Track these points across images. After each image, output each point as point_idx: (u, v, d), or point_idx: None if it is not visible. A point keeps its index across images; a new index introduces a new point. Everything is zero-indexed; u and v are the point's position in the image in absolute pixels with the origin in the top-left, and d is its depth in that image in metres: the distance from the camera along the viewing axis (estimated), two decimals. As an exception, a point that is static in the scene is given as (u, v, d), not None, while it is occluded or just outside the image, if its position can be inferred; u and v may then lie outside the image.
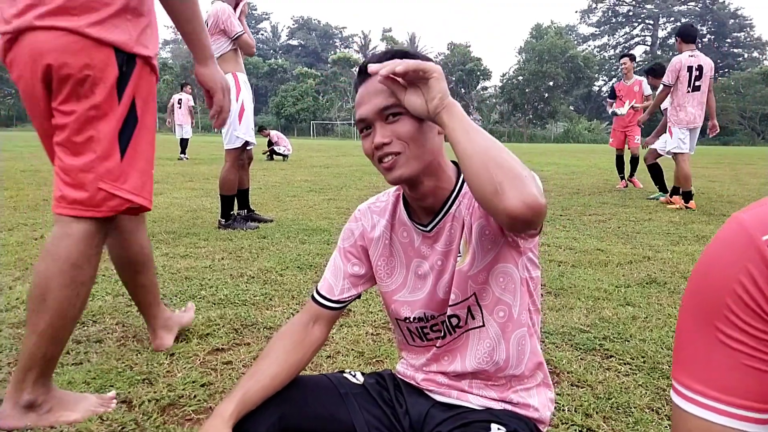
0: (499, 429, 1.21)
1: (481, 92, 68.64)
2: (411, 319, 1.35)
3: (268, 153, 13.77)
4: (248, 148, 4.51)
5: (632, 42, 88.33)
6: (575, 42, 71.90)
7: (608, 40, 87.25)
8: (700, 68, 6.00)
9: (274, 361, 1.29)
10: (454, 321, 1.30)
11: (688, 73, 6.00)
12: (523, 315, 1.28)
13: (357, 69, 1.20)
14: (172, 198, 6.11)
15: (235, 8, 4.25)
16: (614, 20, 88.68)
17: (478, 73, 62.77)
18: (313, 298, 1.39)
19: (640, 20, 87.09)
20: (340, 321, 2.39)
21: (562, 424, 1.57)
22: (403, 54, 1.22)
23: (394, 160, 1.16)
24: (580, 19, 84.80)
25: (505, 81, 63.35)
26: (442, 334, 1.33)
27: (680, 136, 6.10)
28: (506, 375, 1.30)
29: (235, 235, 4.17)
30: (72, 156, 1.54)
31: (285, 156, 13.61)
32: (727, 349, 0.64)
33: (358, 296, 1.44)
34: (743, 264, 0.63)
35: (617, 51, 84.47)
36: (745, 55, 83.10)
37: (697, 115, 6.03)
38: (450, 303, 1.27)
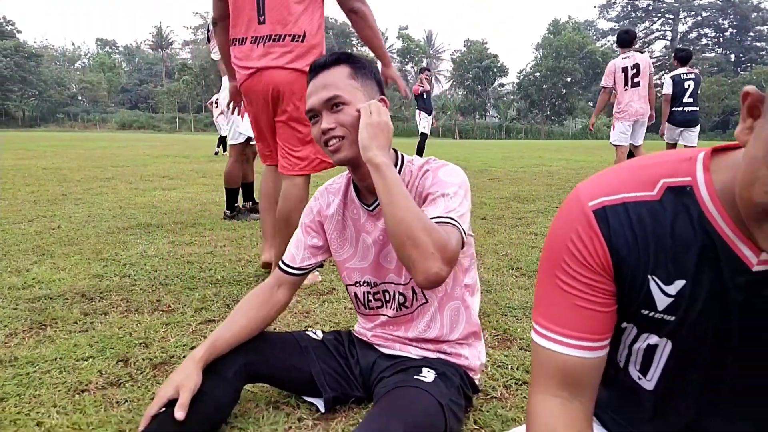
0: (429, 371, 1.43)
1: (498, 89, 68.38)
2: (361, 283, 1.58)
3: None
4: (251, 143, 4.76)
5: (652, 37, 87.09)
6: (594, 37, 71.25)
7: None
8: (636, 66, 6.55)
9: (243, 315, 1.52)
10: (401, 299, 1.54)
11: (623, 74, 6.60)
12: (456, 290, 1.52)
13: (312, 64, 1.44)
14: (184, 192, 6.39)
15: None
16: (634, 15, 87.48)
17: (495, 69, 62.50)
18: (278, 266, 1.62)
19: (660, 15, 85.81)
20: (323, 297, 2.61)
21: (503, 378, 1.78)
22: (347, 56, 1.45)
23: (339, 144, 1.39)
24: (599, 14, 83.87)
25: (522, 77, 63.03)
26: (380, 304, 1.57)
27: (622, 130, 6.68)
28: (441, 340, 1.53)
29: (238, 225, 4.42)
30: (301, 145, 2.60)
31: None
32: (565, 293, 0.81)
33: (320, 265, 1.66)
34: (574, 226, 0.80)
35: (637, 46, 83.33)
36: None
37: (640, 108, 6.56)
38: (401, 282, 1.50)
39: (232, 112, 3.41)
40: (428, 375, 1.42)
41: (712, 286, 0.74)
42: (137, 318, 2.30)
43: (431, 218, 1.27)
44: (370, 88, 1.44)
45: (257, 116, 2.71)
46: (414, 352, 1.53)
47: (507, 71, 63.49)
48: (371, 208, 1.50)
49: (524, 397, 1.67)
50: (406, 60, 70.68)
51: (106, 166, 9.67)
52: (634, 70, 6.54)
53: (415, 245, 1.19)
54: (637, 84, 6.55)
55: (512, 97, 67.44)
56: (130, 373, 1.79)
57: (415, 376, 1.41)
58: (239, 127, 4.55)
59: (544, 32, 65.20)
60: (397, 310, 1.54)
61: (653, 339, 0.81)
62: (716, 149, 0.77)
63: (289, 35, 2.48)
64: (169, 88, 68.80)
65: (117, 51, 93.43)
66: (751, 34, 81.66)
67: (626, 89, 6.61)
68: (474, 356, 1.54)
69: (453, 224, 1.28)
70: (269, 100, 2.57)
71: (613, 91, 6.79)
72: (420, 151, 11.01)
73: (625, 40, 6.74)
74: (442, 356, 1.52)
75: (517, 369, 1.84)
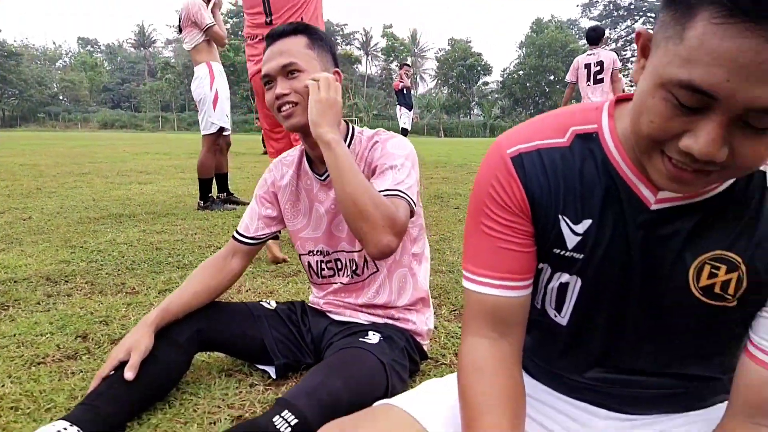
0: (374, 334, 1.48)
1: (482, 87, 68.70)
2: (314, 252, 1.63)
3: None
4: (225, 134, 4.77)
5: (634, 35, 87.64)
6: (577, 36, 71.76)
7: (610, 33, 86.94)
8: (600, 63, 6.69)
9: (197, 283, 1.55)
10: (353, 267, 1.59)
11: (586, 70, 6.77)
12: (404, 258, 1.57)
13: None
14: (160, 186, 6.38)
15: (207, 2, 4.51)
16: (615, 14, 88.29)
17: (479, 68, 62.84)
18: (233, 236, 1.65)
19: (641, 13, 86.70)
20: (288, 279, 2.64)
21: (454, 347, 1.83)
22: (305, 27, 1.49)
23: (292, 110, 1.43)
24: (582, 12, 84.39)
25: (505, 76, 63.46)
26: (333, 273, 1.62)
27: None
28: (389, 306, 1.58)
29: (211, 215, 4.43)
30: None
31: (279, 150, 13.89)
32: (488, 237, 0.85)
33: (275, 236, 1.70)
34: (494, 172, 0.84)
35: (619, 44, 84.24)
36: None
37: None
38: (354, 249, 1.55)
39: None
40: (373, 337, 1.47)
41: (615, 224, 0.79)
42: (100, 299, 2.32)
43: (380, 191, 1.32)
44: (326, 60, 1.48)
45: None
46: (363, 318, 1.58)
47: (491, 70, 63.89)
48: (323, 178, 1.55)
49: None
50: (391, 58, 70.73)
51: (84, 163, 9.59)
52: (598, 67, 6.70)
53: (365, 219, 1.25)
54: (600, 80, 6.69)
55: (496, 96, 67.84)
56: (87, 348, 1.81)
57: (360, 339, 1.45)
58: (212, 117, 4.57)
59: (528, 31, 65.66)
60: (349, 278, 1.60)
61: (565, 277, 0.86)
62: (620, 98, 0.82)
63: None
64: (151, 87, 68.28)
65: (99, 50, 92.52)
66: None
67: (588, 85, 6.77)
68: (422, 321, 1.59)
69: (401, 196, 1.33)
70: None
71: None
72: None
73: (592, 38, 6.88)
74: (390, 321, 1.57)
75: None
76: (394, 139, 1.49)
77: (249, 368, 1.65)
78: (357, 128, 1.56)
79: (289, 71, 1.42)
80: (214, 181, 4.89)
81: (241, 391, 1.53)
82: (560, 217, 0.82)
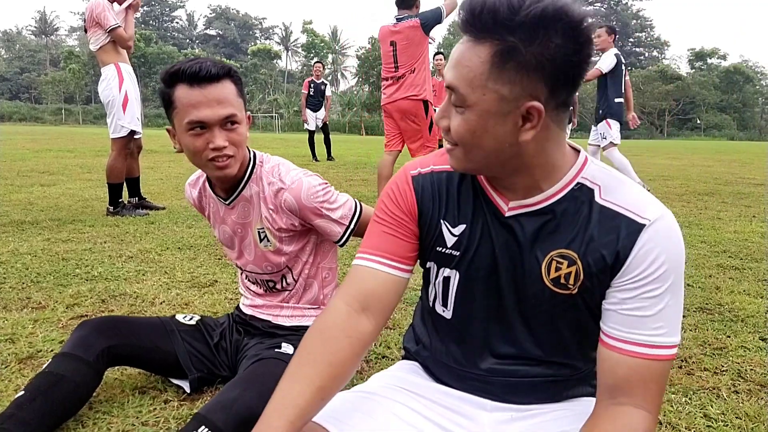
0: (288, 345, 1.57)
1: (402, 86, 69.35)
2: (238, 266, 1.71)
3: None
4: (136, 137, 4.64)
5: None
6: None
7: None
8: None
9: None
10: (271, 284, 1.66)
11: None
12: (318, 273, 1.68)
13: (185, 71, 1.35)
14: (65, 188, 6.07)
15: (113, 1, 4.39)
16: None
17: (399, 67, 63.40)
18: None
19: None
20: (203, 289, 2.65)
21: (366, 354, 1.93)
22: (233, 71, 1.43)
23: (228, 162, 1.43)
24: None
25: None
26: (253, 282, 1.70)
27: None
28: (311, 309, 1.68)
29: (122, 221, 4.31)
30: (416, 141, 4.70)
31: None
32: (377, 224, 1.07)
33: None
34: (395, 182, 1.08)
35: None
36: (646, 54, 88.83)
37: None
38: (266, 271, 1.64)
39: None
40: (288, 348, 1.55)
41: (482, 228, 1.00)
42: (4, 315, 2.24)
43: (342, 239, 1.57)
44: (244, 106, 1.47)
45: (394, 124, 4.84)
46: (286, 314, 1.68)
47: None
48: (228, 203, 1.60)
49: (381, 369, 1.83)
50: (311, 55, 70.09)
51: (-22, 161, 8.92)
52: None
53: None
54: None
55: (416, 95, 68.66)
56: (-9, 369, 1.76)
57: (276, 350, 1.53)
58: (121, 120, 4.43)
59: (445, 33, 67.11)
60: (265, 291, 1.69)
61: (447, 272, 1.05)
62: None
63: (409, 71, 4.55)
64: (54, 78, 63.85)
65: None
66: (632, 39, 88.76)
67: None
68: None
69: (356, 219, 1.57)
70: (400, 115, 4.71)
71: None
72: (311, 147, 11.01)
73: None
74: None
75: (380, 345, 2.01)
76: (303, 186, 1.50)
77: (163, 384, 1.68)
78: (259, 156, 1.58)
79: (229, 122, 1.39)
80: (124, 185, 4.75)
81: (155, 408, 1.56)
82: (441, 221, 1.03)
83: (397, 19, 4.62)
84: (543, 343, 1.01)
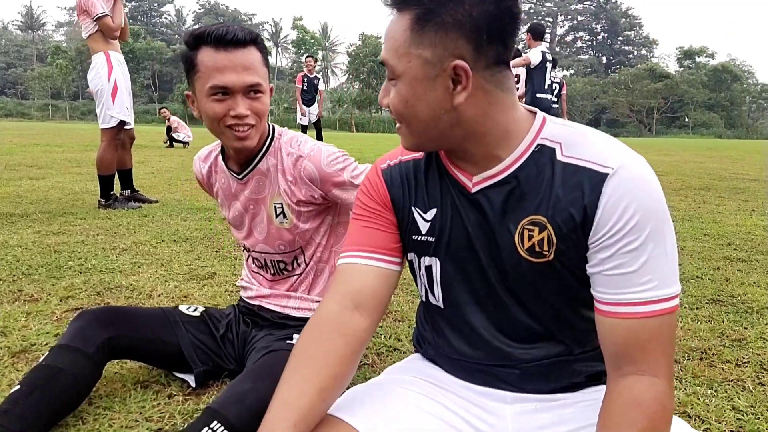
0: (298, 336, 1.49)
1: (393, 83, 69.33)
2: (244, 246, 1.63)
3: (168, 140, 13.41)
4: (127, 127, 4.53)
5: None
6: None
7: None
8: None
9: None
10: (282, 266, 1.57)
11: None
12: (331, 257, 1.59)
13: (211, 33, 1.29)
14: (54, 182, 5.94)
15: None
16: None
17: (389, 64, 63.35)
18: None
19: (540, 17, 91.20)
20: (203, 282, 2.57)
21: (376, 346, 1.87)
22: (259, 39, 1.38)
23: (248, 132, 1.37)
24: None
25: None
26: (258, 267, 1.61)
27: None
28: (319, 300, 1.60)
29: (114, 214, 4.20)
30: None
31: (185, 143, 13.33)
32: (355, 221, 1.05)
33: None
34: (367, 178, 1.07)
35: (520, 47, 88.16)
36: (635, 53, 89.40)
37: None
38: (279, 251, 1.55)
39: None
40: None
41: (452, 209, 0.96)
42: (-6, 309, 2.14)
43: None
44: (268, 76, 1.41)
45: None
46: (293, 305, 1.59)
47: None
48: (241, 177, 1.53)
49: (393, 362, 1.76)
50: (302, 51, 69.85)
51: (-36, 155, 8.74)
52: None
53: None
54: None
55: (406, 92, 68.63)
56: (-18, 363, 1.67)
57: (287, 341, 1.45)
58: (110, 110, 4.32)
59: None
60: (273, 275, 1.60)
61: (427, 260, 1.01)
62: None
63: None
64: (40, 73, 63.05)
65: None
66: (620, 38, 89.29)
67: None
68: None
69: None
70: None
71: None
72: None
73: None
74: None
75: (390, 338, 1.94)
76: (323, 153, 1.46)
77: (166, 378, 1.60)
78: (278, 129, 1.53)
79: (252, 90, 1.34)
80: (116, 177, 4.64)
81: (159, 403, 1.47)
82: (413, 208, 1.00)
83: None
84: (540, 318, 0.95)
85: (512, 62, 0.99)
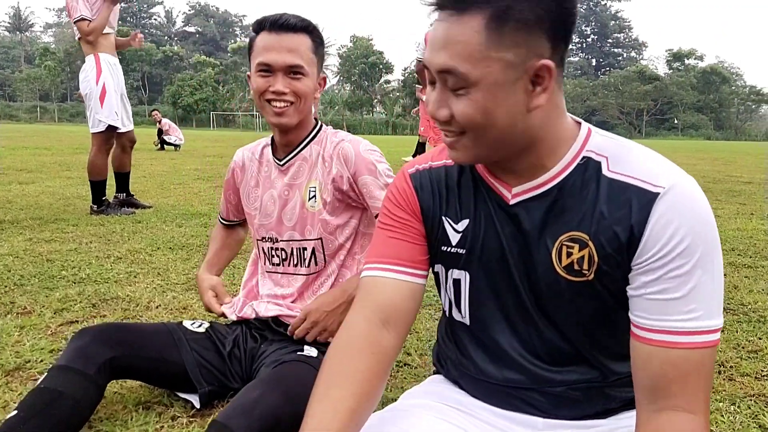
0: (311, 348, 1.46)
1: (384, 86, 69.48)
2: (266, 239, 1.60)
3: (159, 143, 13.29)
4: (123, 130, 4.43)
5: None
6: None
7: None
8: None
9: (222, 243, 1.86)
10: (302, 256, 1.58)
11: None
12: (354, 263, 1.56)
13: (269, 18, 1.42)
14: (45, 186, 5.83)
15: None
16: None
17: (381, 66, 63.51)
18: (219, 219, 1.85)
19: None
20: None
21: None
22: (313, 27, 1.47)
23: (285, 109, 1.43)
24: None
25: (407, 75, 64.49)
26: (280, 261, 1.59)
27: None
28: None
29: (107, 220, 4.11)
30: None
31: (176, 146, 13.21)
32: (382, 231, 0.99)
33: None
34: (395, 184, 1.01)
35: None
36: (624, 55, 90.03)
37: None
38: (306, 237, 1.53)
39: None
40: (311, 351, 1.42)
41: (486, 221, 0.91)
42: (-15, 323, 2.06)
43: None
44: (319, 66, 1.49)
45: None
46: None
47: (392, 68, 64.79)
48: (282, 164, 1.56)
49: (404, 378, 1.71)
50: (292, 53, 69.69)
51: (-49, 159, 8.59)
52: None
53: None
54: None
55: (398, 94, 68.80)
56: (-26, 383, 1.59)
57: (298, 353, 1.40)
58: (99, 115, 4.22)
59: (429, 29, 67.20)
60: (296, 267, 1.56)
61: (456, 273, 0.96)
62: None
63: None
64: (28, 75, 62.56)
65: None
66: (610, 40, 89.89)
67: None
68: None
69: None
70: None
71: None
72: None
73: None
74: None
75: (400, 352, 1.88)
76: (363, 142, 1.53)
77: (169, 398, 1.52)
78: (325, 127, 1.60)
79: (293, 71, 1.41)
80: (114, 179, 4.55)
81: (162, 426, 1.40)
82: (443, 218, 0.95)
83: None
84: (573, 340, 0.90)
85: None
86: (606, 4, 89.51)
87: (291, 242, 1.55)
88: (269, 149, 1.61)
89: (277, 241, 1.58)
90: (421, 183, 0.97)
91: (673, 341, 0.77)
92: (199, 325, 1.55)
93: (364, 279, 0.96)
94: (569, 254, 0.84)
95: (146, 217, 4.26)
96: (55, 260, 2.94)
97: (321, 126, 1.58)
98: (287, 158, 1.54)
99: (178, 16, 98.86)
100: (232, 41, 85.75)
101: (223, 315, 1.64)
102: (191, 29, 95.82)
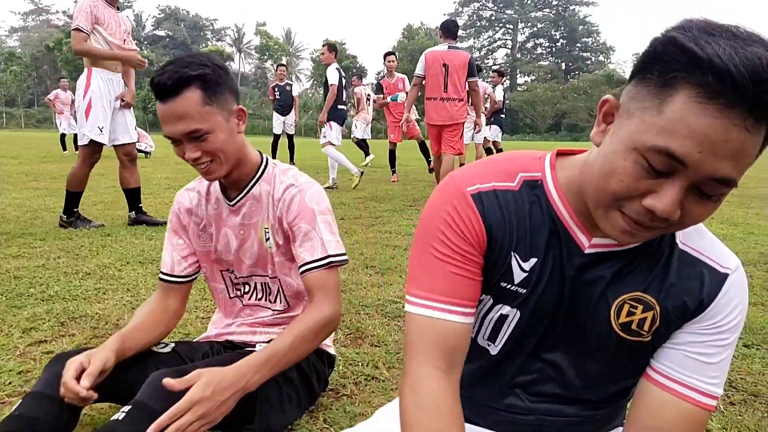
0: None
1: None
2: (225, 271, 1.64)
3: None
4: (120, 144, 4.43)
5: (495, 45, 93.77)
6: (445, 42, 75.10)
7: (474, 42, 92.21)
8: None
9: (145, 322, 1.55)
10: (264, 290, 1.62)
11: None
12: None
13: (152, 83, 1.33)
14: (12, 198, 5.72)
15: (112, 4, 4.28)
16: (479, 24, 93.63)
17: (354, 70, 63.45)
18: (159, 276, 1.63)
19: (501, 25, 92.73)
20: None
21: (354, 375, 1.84)
22: (196, 77, 1.34)
23: (209, 167, 1.40)
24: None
25: (379, 79, 64.64)
26: (242, 293, 1.62)
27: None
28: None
29: (75, 233, 4.06)
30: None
31: (147, 153, 13.02)
32: (440, 262, 0.87)
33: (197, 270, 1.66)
34: (452, 202, 0.87)
35: (482, 53, 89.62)
36: (593, 59, 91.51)
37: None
38: (265, 275, 1.59)
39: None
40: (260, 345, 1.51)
41: (554, 264, 0.87)
42: (-50, 345, 2.04)
43: (309, 264, 1.44)
44: (226, 104, 1.39)
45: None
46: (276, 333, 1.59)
47: (366, 72, 64.83)
48: (232, 204, 1.55)
49: (372, 392, 1.75)
50: (266, 57, 69.32)
51: None
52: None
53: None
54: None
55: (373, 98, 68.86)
56: (-60, 408, 1.58)
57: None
58: (83, 128, 4.21)
59: (400, 36, 67.56)
60: (258, 300, 1.62)
61: (506, 309, 0.91)
62: (560, 152, 0.91)
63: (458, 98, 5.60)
64: (-7, 80, 60.83)
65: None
66: (579, 44, 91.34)
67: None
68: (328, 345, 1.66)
69: (333, 264, 1.45)
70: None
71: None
72: (274, 152, 10.79)
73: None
74: None
75: (367, 365, 1.92)
76: (311, 189, 1.51)
77: (139, 418, 1.54)
78: (272, 163, 1.57)
79: (192, 137, 1.35)
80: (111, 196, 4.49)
81: (132, 447, 1.42)
82: (512, 253, 0.87)
83: (449, 47, 5.61)
84: (592, 383, 0.94)
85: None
86: (574, 8, 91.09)
87: (254, 277, 1.60)
88: (216, 187, 1.58)
89: (237, 277, 1.62)
90: (488, 209, 0.86)
91: (693, 398, 0.84)
92: (164, 347, 1.58)
93: (421, 319, 0.87)
94: (630, 313, 0.86)
95: (115, 230, 4.22)
96: (23, 277, 2.91)
97: (267, 162, 1.56)
98: (238, 198, 1.53)
99: (147, 19, 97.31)
100: (203, 45, 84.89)
101: (83, 400, 1.27)
102: (161, 33, 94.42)
